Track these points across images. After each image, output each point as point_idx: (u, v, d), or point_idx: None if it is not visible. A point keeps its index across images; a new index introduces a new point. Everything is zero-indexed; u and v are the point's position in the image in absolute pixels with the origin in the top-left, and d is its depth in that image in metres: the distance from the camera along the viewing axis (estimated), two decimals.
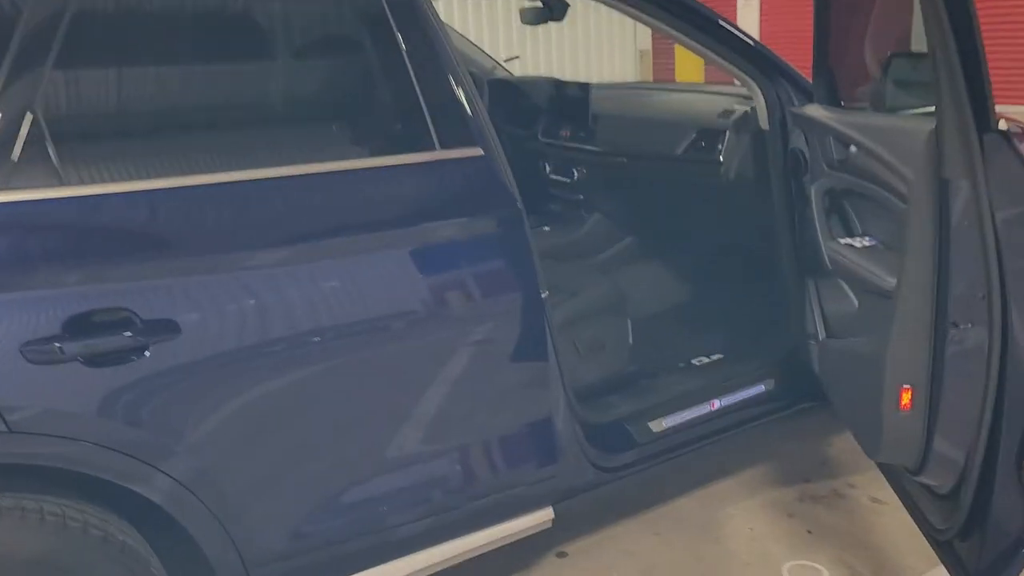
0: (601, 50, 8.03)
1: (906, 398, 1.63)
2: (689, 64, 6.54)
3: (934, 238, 1.52)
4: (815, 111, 2.20)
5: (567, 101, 3.10)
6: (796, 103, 2.43)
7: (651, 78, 7.69)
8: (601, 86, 3.39)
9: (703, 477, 2.77)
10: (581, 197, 3.11)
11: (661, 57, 12.19)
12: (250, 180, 1.63)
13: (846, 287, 2.03)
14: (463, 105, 1.85)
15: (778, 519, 2.57)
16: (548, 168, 3.21)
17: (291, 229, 1.64)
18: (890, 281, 1.71)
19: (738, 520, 2.58)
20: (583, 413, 2.15)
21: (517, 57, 3.73)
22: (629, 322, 2.50)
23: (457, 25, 6.81)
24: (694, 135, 2.63)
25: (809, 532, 2.51)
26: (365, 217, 1.74)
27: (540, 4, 2.87)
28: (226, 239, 1.58)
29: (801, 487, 2.73)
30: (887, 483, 2.19)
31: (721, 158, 2.54)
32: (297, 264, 1.62)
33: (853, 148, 1.96)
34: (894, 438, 1.68)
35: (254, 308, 1.57)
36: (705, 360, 2.67)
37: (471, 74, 3.55)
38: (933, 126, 1.52)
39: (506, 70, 3.76)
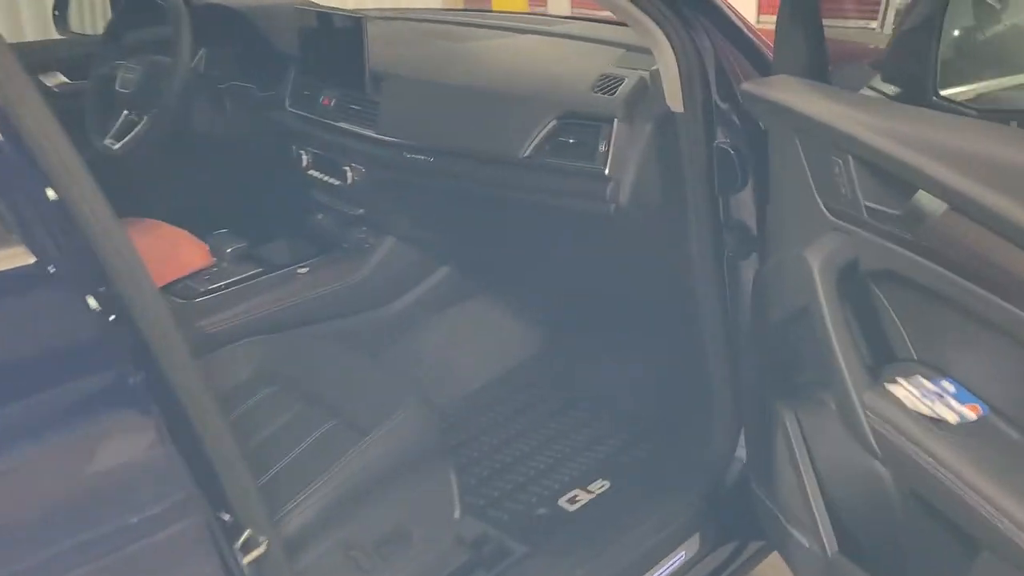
0: None
1: None
2: None
3: None
4: (800, 95, 1.12)
5: (330, 46, 1.83)
6: (727, 67, 1.36)
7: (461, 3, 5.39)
8: (387, 17, 2.13)
9: None
10: (360, 212, 1.89)
11: None
12: None
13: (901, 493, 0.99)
14: None
15: None
16: (305, 159, 1.95)
17: None
18: None
19: None
20: None
21: None
22: (453, 476, 1.36)
23: None
24: (552, 123, 1.47)
25: None
26: None
27: None
28: None
29: None
30: None
31: (607, 169, 1.40)
32: None
33: (930, 201, 0.90)
34: None
35: None
36: (583, 497, 1.61)
37: None
38: None
39: None
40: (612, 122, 1.41)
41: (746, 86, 1.24)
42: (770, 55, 1.35)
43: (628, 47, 1.60)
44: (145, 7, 2.04)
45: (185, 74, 1.90)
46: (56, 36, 2.47)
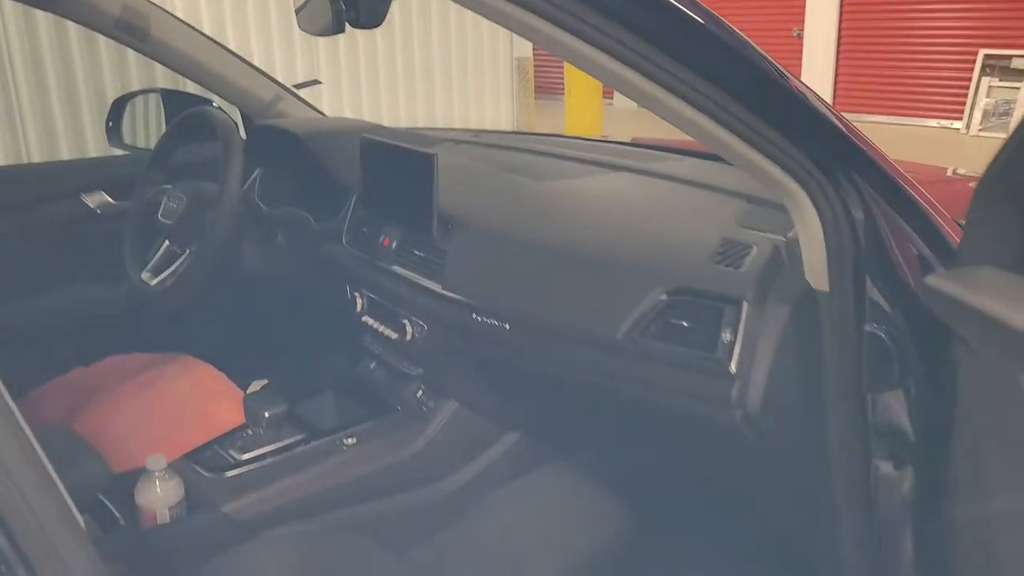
0: (459, 59, 4.65)
1: None
2: (584, 81, 5.00)
3: None
4: None
5: (394, 181, 1.60)
6: (886, 242, 1.08)
7: (533, 98, 5.12)
8: (457, 141, 1.90)
9: None
10: (420, 371, 1.62)
11: (546, 68, 9.68)
12: None
13: None
14: None
15: None
16: (360, 303, 1.70)
17: None
18: None
19: None
20: None
21: (317, 82, 2.18)
22: None
23: (224, 23, 3.93)
24: (661, 299, 1.19)
25: None
26: None
27: None
28: None
29: None
30: None
31: (732, 364, 1.11)
32: None
33: None
34: None
35: None
36: None
37: (210, 110, 1.80)
38: None
39: (301, 101, 2.21)
40: (740, 304, 1.11)
41: (934, 281, 0.94)
42: (949, 236, 1.06)
43: (751, 198, 1.32)
44: (198, 125, 1.86)
45: (233, 207, 1.69)
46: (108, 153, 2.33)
